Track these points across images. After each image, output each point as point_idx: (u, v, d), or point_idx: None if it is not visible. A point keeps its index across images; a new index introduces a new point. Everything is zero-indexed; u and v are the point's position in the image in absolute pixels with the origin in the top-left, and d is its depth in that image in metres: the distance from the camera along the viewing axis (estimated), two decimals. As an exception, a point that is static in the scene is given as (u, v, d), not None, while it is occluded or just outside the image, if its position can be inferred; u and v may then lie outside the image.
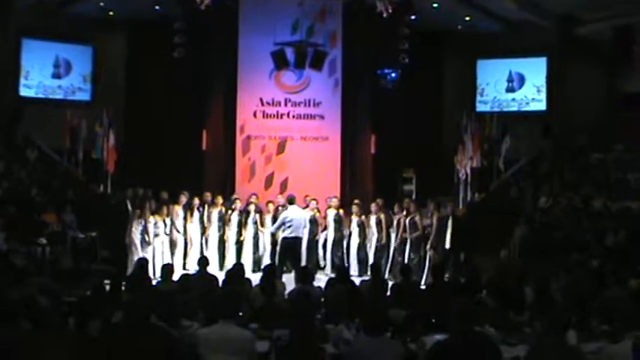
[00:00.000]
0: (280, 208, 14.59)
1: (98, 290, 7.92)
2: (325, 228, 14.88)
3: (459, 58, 20.30)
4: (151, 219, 13.69)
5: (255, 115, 17.44)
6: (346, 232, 14.80)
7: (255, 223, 14.67)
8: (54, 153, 17.52)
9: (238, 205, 14.87)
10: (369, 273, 13.74)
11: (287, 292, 8.87)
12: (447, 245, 13.58)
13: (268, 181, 17.27)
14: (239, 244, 14.62)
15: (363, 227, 14.69)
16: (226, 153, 17.40)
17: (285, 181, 17.16)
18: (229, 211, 14.73)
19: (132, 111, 19.16)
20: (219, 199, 14.86)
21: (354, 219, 14.82)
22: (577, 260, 12.35)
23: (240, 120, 17.42)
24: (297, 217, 13.25)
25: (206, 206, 14.67)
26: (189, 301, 7.70)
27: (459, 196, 17.67)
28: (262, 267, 12.41)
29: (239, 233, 14.63)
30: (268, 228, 14.49)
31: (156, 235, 13.68)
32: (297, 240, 13.24)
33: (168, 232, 13.99)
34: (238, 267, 9.87)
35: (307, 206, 14.62)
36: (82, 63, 19.31)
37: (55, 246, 13.57)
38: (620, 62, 18.30)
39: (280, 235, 13.62)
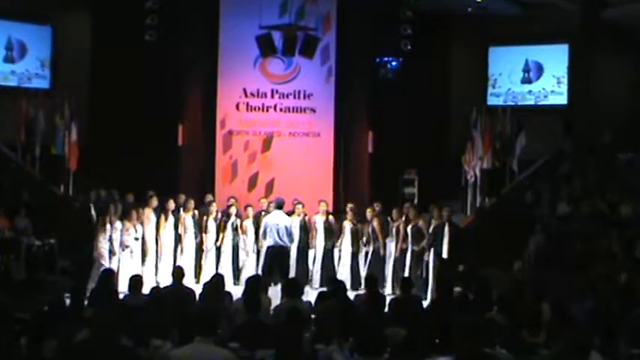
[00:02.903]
0: (263, 212, 14.58)
1: (56, 305, 7.88)
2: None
3: (468, 45, 20.35)
4: (118, 225, 13.67)
5: (237, 107, 17.47)
6: (338, 241, 14.78)
7: (235, 229, 14.66)
8: (6, 148, 17.42)
9: (214, 208, 14.83)
10: (362, 287, 13.80)
11: (273, 307, 8.86)
12: (445, 255, 13.56)
13: (252, 182, 17.30)
14: (218, 252, 14.62)
15: (356, 235, 14.67)
16: (205, 150, 17.43)
17: (270, 182, 17.19)
18: (205, 217, 14.70)
19: (97, 101, 19.06)
20: (191, 203, 14.79)
21: (347, 226, 14.79)
22: (602, 274, 12.38)
23: (221, 113, 17.45)
24: (278, 222, 13.14)
25: (180, 210, 14.63)
26: (161, 318, 7.67)
27: (466, 200, 17.72)
28: (244, 279, 12.40)
29: (217, 239, 14.62)
30: (249, 235, 14.49)
31: (124, 245, 13.64)
32: (284, 249, 13.21)
33: (137, 239, 13.94)
34: (217, 278, 9.85)
35: (293, 211, 14.60)
36: (39, 45, 19.15)
37: (6, 254, 13.52)
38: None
39: (264, 244, 13.62)
